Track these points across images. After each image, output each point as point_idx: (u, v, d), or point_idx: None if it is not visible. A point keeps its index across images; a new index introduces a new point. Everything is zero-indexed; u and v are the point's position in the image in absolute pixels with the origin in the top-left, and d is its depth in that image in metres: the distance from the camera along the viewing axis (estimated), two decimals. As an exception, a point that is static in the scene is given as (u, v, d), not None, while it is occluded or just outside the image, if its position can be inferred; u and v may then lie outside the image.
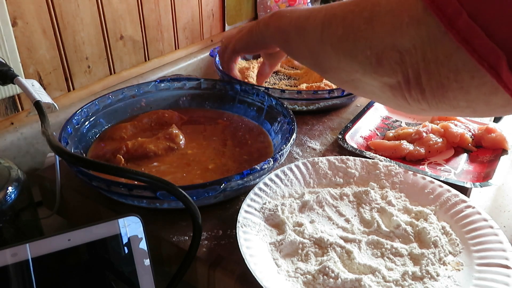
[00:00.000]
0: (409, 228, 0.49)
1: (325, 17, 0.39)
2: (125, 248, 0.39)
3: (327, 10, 0.39)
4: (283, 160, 0.55)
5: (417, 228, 0.49)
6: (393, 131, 0.72)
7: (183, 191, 0.41)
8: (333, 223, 0.50)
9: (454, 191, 0.53)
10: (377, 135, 0.73)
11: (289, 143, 0.55)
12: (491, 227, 0.47)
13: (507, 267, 0.43)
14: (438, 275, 0.44)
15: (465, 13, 0.26)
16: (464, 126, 0.70)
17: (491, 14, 0.25)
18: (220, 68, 0.83)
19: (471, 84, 0.29)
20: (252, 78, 0.85)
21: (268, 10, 1.31)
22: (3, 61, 0.56)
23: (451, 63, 0.29)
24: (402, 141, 0.66)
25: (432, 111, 0.35)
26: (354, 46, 0.35)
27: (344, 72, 0.39)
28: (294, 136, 0.57)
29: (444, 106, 0.33)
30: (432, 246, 0.46)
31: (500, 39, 0.25)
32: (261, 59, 0.93)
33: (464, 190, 0.55)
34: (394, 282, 0.42)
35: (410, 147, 0.66)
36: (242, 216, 0.48)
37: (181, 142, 0.63)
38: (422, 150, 0.65)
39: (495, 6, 0.25)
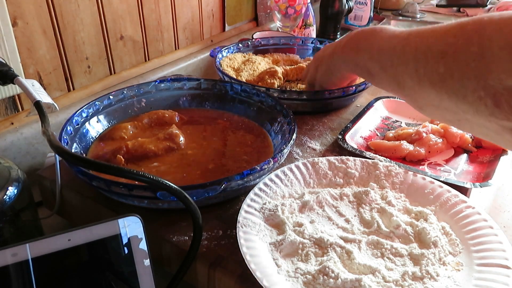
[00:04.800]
0: (409, 228, 0.49)
1: (418, 51, 0.35)
2: (125, 248, 0.39)
3: (417, 42, 0.35)
4: (283, 160, 0.55)
5: (417, 228, 0.49)
6: (393, 131, 0.72)
7: (183, 191, 0.41)
8: (333, 223, 0.50)
9: (454, 192, 0.53)
10: (377, 135, 0.73)
11: (289, 143, 0.55)
12: (491, 227, 0.47)
13: (507, 267, 0.43)
14: (438, 275, 0.44)
15: None
16: (464, 126, 0.70)
17: None
18: (220, 68, 0.84)
19: None
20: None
21: (268, 11, 1.31)
22: (3, 61, 0.56)
23: None
24: (402, 142, 0.66)
25: None
26: (461, 86, 0.31)
27: (448, 112, 0.35)
28: (294, 136, 0.57)
29: None
30: (432, 246, 0.46)
31: None
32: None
33: (464, 190, 0.55)
34: (394, 282, 0.42)
35: (410, 147, 0.66)
36: (242, 216, 0.48)
37: (181, 142, 0.63)
38: (422, 151, 0.65)
39: None
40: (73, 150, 0.57)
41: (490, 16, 0.30)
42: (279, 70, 0.84)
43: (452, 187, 0.54)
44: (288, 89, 0.83)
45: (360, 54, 0.43)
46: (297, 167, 0.57)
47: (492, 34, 0.28)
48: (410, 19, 1.57)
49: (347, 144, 0.65)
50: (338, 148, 0.67)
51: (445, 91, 0.33)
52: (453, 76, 0.32)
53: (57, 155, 0.53)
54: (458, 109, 0.33)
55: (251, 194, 0.51)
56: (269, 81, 0.81)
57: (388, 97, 0.81)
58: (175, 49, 1.00)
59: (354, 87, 0.75)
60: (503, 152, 0.65)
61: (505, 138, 0.33)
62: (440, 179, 0.56)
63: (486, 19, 0.30)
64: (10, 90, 0.67)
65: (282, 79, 0.85)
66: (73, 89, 0.78)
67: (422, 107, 0.38)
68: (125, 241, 0.39)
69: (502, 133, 0.32)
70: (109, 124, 0.67)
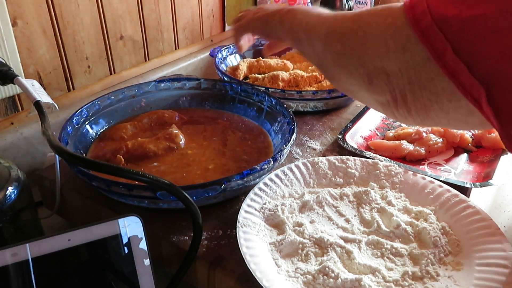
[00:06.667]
0: (409, 228, 0.49)
1: (328, 30, 0.41)
2: (125, 248, 0.39)
3: (330, 23, 0.41)
4: (283, 160, 0.55)
5: (417, 228, 0.49)
6: (393, 131, 0.72)
7: (183, 191, 0.41)
8: (333, 223, 0.50)
9: (454, 191, 0.53)
10: (377, 135, 0.73)
11: (289, 143, 0.55)
12: (491, 227, 0.47)
13: (507, 267, 0.42)
14: (438, 275, 0.44)
15: (450, 48, 0.29)
16: (464, 126, 0.70)
17: (473, 53, 0.28)
18: (220, 68, 0.84)
19: (449, 106, 0.32)
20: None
21: (268, 10, 1.31)
22: (3, 61, 0.56)
23: (432, 87, 0.32)
24: (402, 141, 0.66)
25: (418, 125, 0.37)
26: (349, 63, 0.38)
27: (345, 83, 0.41)
28: (294, 136, 0.57)
29: (428, 122, 0.36)
30: (432, 246, 0.46)
31: (480, 76, 0.28)
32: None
33: (464, 190, 0.55)
34: (394, 282, 0.42)
35: (410, 147, 0.66)
36: (242, 216, 0.48)
37: (181, 142, 0.63)
38: (422, 150, 0.65)
39: (476, 47, 0.28)
40: (73, 150, 0.57)
41: (375, 9, 0.36)
42: (285, 77, 0.83)
43: (452, 187, 0.54)
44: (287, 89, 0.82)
45: (296, 21, 0.48)
46: (297, 167, 0.57)
47: (373, 25, 0.35)
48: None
49: (347, 144, 0.65)
50: (338, 148, 0.67)
51: (340, 66, 0.40)
52: (345, 54, 0.38)
53: (57, 155, 0.53)
54: (349, 82, 0.40)
55: (251, 194, 0.51)
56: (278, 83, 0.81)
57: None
58: (175, 49, 0.99)
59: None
60: (503, 152, 0.65)
61: (379, 109, 0.39)
62: (440, 179, 0.56)
63: (372, 11, 0.37)
64: (10, 90, 0.67)
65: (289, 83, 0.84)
66: (73, 89, 0.78)
67: (331, 78, 0.44)
68: (125, 241, 0.39)
69: (376, 105, 0.39)
70: (109, 124, 0.67)
